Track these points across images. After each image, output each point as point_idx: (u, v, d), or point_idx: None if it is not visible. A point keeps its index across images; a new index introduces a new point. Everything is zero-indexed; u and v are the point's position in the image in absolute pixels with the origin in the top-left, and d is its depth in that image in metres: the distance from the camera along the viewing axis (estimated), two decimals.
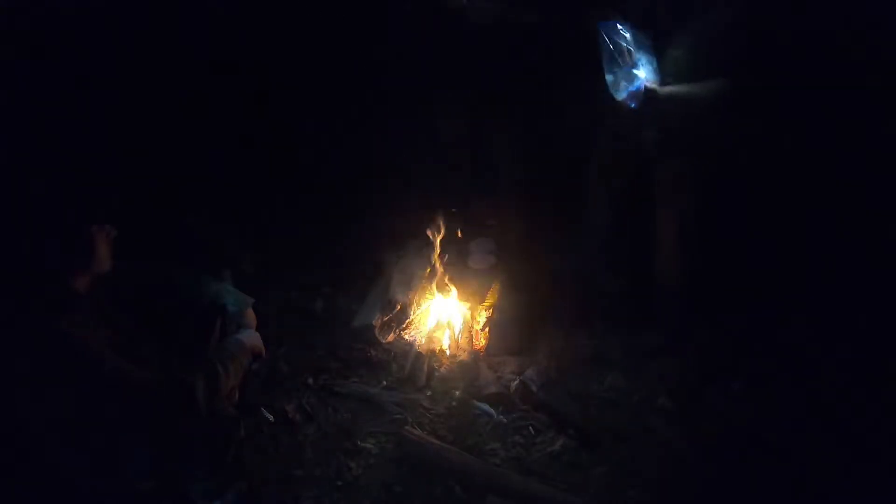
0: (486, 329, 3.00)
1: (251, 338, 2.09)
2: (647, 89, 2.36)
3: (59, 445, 1.81)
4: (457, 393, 2.65)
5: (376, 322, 2.96)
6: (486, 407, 2.57)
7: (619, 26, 2.37)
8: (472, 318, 3.05)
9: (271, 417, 2.39)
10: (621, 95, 2.42)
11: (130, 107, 3.29)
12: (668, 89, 2.38)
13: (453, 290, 3.08)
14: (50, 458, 1.84)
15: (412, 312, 3.11)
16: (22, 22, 2.93)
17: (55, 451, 1.84)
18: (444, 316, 3.04)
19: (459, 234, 3.30)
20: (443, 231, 3.25)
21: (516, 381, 2.64)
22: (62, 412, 1.74)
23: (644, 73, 2.36)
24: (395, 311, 3.05)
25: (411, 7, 3.07)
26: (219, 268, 2.34)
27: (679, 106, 2.42)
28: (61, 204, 1.78)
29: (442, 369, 2.79)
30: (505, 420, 2.53)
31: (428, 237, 3.22)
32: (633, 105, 2.40)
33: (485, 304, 3.10)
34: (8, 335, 1.70)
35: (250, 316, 2.20)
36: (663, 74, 2.39)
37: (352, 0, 3.59)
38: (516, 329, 2.96)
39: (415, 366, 2.76)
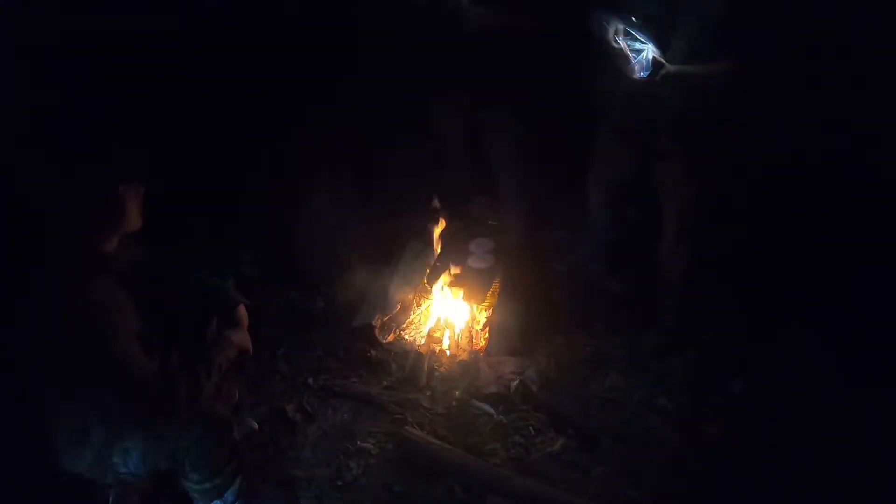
0: (486, 329, 3.00)
1: (237, 334, 2.10)
2: (654, 60, 2.35)
3: (59, 435, 1.82)
4: (457, 393, 2.65)
5: (376, 322, 2.95)
6: (486, 407, 2.58)
7: (616, 24, 2.37)
8: (472, 318, 3.05)
9: (255, 425, 2.40)
10: (629, 69, 2.41)
11: (129, 106, 3.29)
12: (675, 67, 2.37)
13: (453, 290, 3.08)
14: (50, 454, 1.85)
15: (412, 312, 3.11)
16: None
17: (56, 447, 1.85)
18: (444, 316, 3.04)
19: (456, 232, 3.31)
20: (442, 231, 3.26)
21: (516, 381, 2.64)
22: (67, 383, 1.75)
23: (649, 46, 2.35)
24: (395, 311, 3.05)
25: (415, 7, 3.06)
26: (222, 271, 2.34)
27: (686, 85, 2.40)
28: (90, 165, 1.78)
29: (442, 369, 2.79)
30: (505, 420, 2.53)
31: (428, 237, 3.23)
32: (641, 75, 2.39)
33: (485, 304, 3.10)
34: (35, 297, 1.72)
35: (242, 314, 2.20)
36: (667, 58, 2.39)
37: (352, 1, 3.60)
38: (516, 329, 2.96)
39: (415, 366, 2.75)
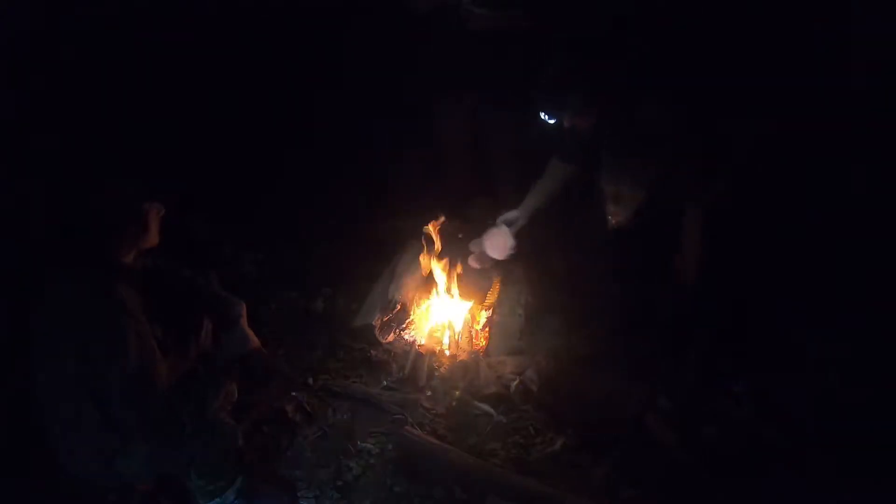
0: (486, 329, 3.00)
1: (240, 340, 2.13)
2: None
3: (65, 439, 1.83)
4: (457, 393, 2.65)
5: (376, 322, 2.96)
6: (486, 407, 2.58)
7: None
8: (472, 318, 3.05)
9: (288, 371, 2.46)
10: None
11: (130, 105, 3.29)
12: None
13: (453, 290, 3.08)
14: (54, 457, 1.86)
15: (412, 312, 3.11)
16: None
17: (60, 451, 1.86)
18: (444, 316, 3.04)
19: (460, 236, 3.30)
20: (442, 231, 3.25)
21: (516, 381, 2.65)
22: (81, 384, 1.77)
23: None
24: (395, 311, 3.05)
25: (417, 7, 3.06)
26: (204, 270, 2.35)
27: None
28: (122, 180, 1.89)
29: (442, 369, 2.79)
30: (505, 420, 2.53)
31: (428, 237, 3.22)
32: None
33: (485, 304, 3.10)
34: (63, 293, 1.78)
35: (241, 313, 2.21)
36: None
37: (355, 2, 3.60)
38: (516, 329, 2.96)
39: (415, 366, 2.76)
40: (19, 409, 2.01)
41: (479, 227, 3.31)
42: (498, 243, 3.01)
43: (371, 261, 3.36)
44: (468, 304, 3.08)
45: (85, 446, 1.81)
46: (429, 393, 2.67)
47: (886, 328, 2.65)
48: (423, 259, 3.08)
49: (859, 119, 2.91)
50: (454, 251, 3.20)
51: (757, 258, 3.10)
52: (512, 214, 3.00)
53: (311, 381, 2.70)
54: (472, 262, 3.17)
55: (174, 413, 1.78)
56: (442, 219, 3.07)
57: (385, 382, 2.73)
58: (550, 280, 3.28)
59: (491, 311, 3.07)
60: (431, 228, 3.05)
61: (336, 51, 3.81)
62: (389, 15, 3.34)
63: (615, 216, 2.69)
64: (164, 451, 1.86)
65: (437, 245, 3.09)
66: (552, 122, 2.45)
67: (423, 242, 3.08)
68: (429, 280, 3.15)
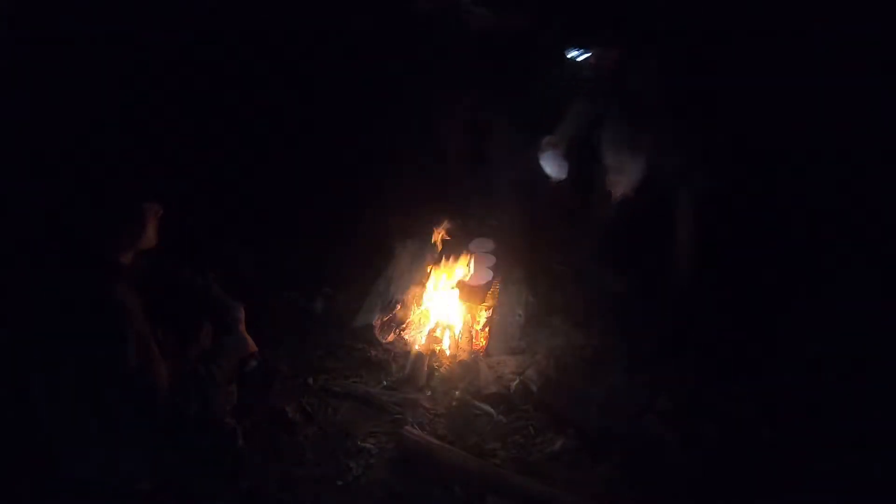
0: (486, 329, 3.00)
1: (238, 343, 2.13)
2: None
3: (65, 441, 1.83)
4: (457, 393, 2.66)
5: (376, 322, 2.96)
6: (486, 407, 2.58)
7: None
8: (472, 318, 3.05)
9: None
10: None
11: (130, 105, 3.29)
12: None
13: (453, 290, 3.08)
14: (53, 459, 1.86)
15: (412, 312, 3.11)
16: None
17: (59, 453, 1.86)
18: (444, 316, 3.04)
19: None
20: (443, 231, 3.26)
21: (516, 381, 2.65)
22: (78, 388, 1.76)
23: None
24: (395, 311, 3.05)
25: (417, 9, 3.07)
26: (203, 270, 2.35)
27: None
28: (120, 181, 1.90)
29: (442, 369, 2.79)
30: (505, 420, 2.53)
31: (428, 237, 3.23)
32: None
33: (485, 304, 3.10)
34: (61, 294, 1.78)
35: (239, 317, 2.21)
36: None
37: (355, 3, 3.60)
38: (516, 329, 2.96)
39: (415, 366, 2.76)
40: (19, 409, 2.00)
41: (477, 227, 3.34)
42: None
43: (371, 261, 3.36)
44: (468, 305, 3.08)
45: (85, 446, 1.81)
46: (429, 393, 2.67)
47: (886, 328, 2.66)
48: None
49: (859, 118, 2.91)
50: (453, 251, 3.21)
51: (757, 258, 3.11)
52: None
53: (311, 381, 2.70)
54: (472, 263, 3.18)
55: (174, 413, 1.78)
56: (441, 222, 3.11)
57: (385, 382, 2.72)
58: (550, 280, 3.28)
59: (491, 311, 3.07)
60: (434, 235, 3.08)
61: (336, 50, 3.81)
62: (389, 14, 3.35)
63: (618, 187, 2.80)
64: (165, 451, 1.86)
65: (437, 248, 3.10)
66: (580, 59, 2.59)
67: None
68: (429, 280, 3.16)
